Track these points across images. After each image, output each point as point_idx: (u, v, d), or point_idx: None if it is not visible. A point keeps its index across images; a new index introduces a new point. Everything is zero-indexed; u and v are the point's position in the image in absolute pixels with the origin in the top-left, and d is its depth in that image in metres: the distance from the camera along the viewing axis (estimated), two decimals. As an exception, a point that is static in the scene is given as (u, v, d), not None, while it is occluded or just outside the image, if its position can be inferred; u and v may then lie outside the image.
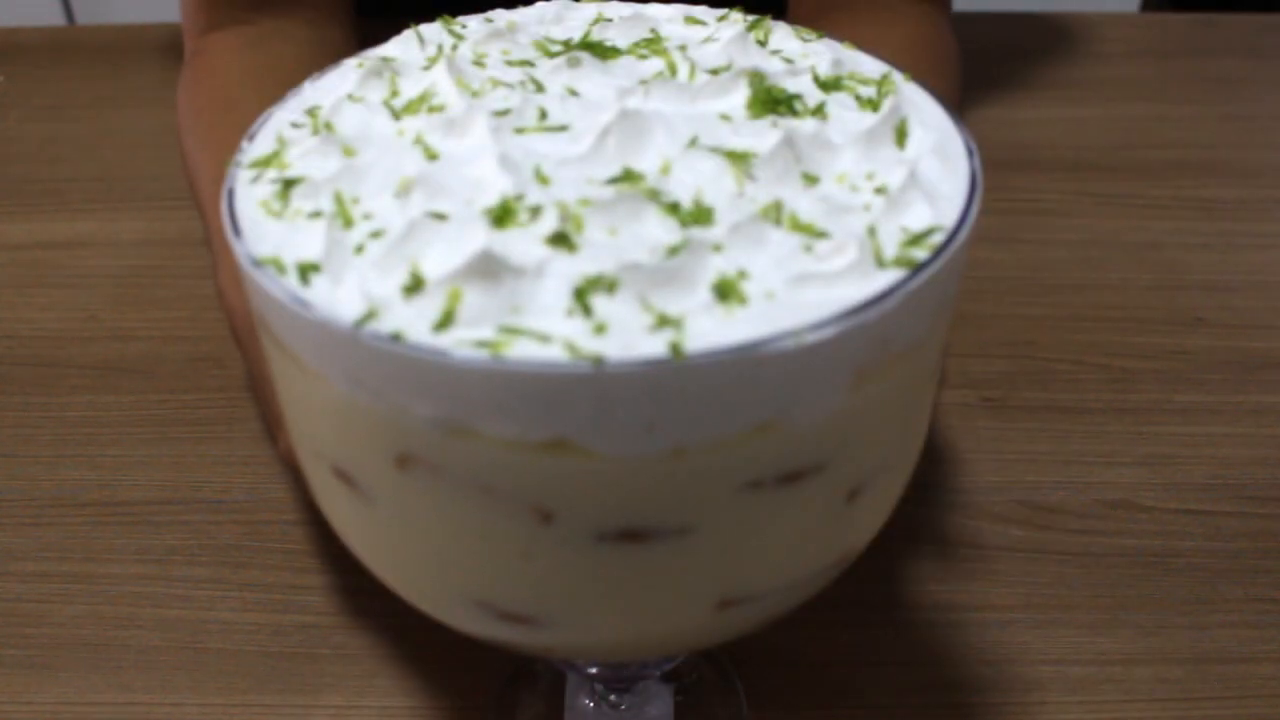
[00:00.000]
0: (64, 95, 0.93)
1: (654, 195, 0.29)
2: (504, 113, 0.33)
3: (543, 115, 0.33)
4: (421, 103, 0.34)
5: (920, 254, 0.28)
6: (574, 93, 0.34)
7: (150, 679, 0.52)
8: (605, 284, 0.26)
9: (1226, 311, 0.70)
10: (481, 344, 0.25)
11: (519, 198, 0.29)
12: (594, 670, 0.44)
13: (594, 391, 0.25)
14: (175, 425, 0.64)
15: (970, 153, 0.32)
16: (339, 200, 0.30)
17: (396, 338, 0.26)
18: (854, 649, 0.52)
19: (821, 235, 0.29)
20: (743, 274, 0.27)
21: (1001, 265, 0.74)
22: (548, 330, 0.26)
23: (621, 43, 0.38)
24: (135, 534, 0.58)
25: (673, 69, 0.36)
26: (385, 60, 0.36)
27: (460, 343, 0.26)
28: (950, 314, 0.32)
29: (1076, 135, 0.86)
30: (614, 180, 0.30)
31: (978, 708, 0.50)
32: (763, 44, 0.38)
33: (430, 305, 0.26)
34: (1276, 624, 0.53)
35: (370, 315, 0.26)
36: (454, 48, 0.37)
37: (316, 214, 0.30)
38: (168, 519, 0.59)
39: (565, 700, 0.49)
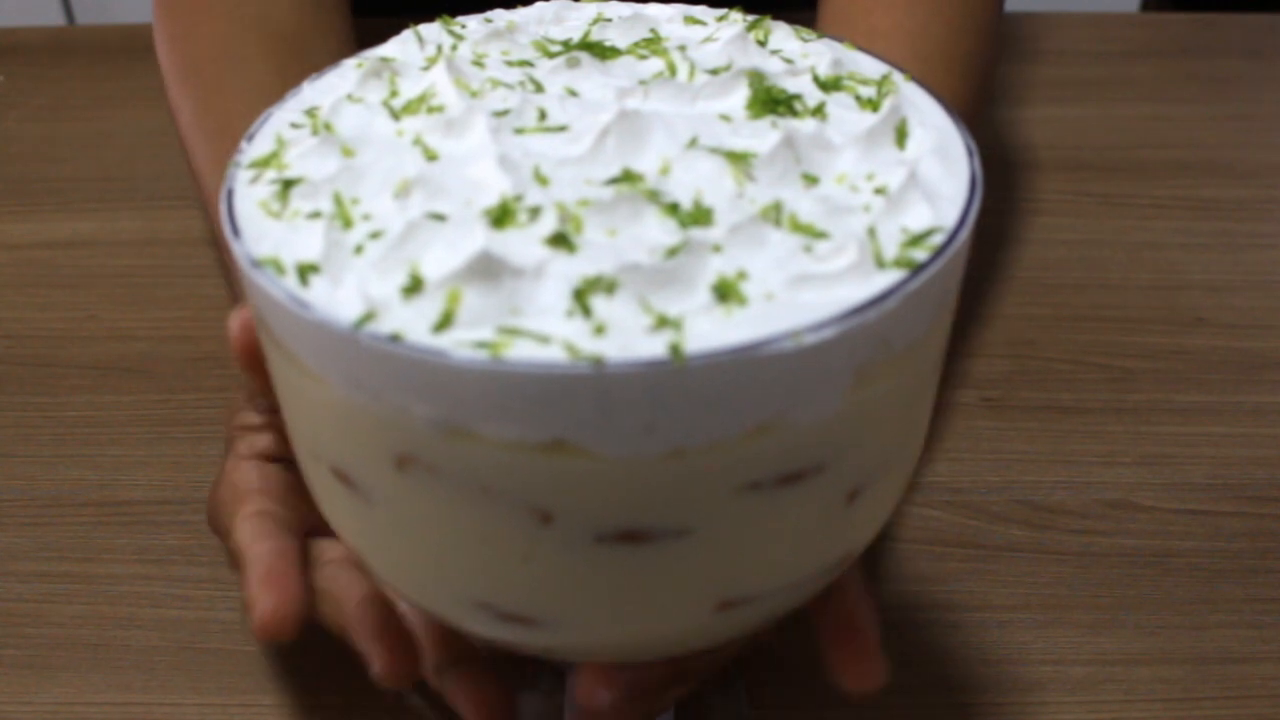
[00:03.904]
0: (64, 95, 0.93)
1: (653, 196, 0.29)
2: (503, 113, 0.33)
3: (542, 116, 0.33)
4: (421, 103, 0.34)
5: (920, 255, 0.28)
6: (573, 93, 0.34)
7: (150, 679, 0.52)
8: (605, 285, 0.26)
9: (1226, 311, 0.70)
10: (481, 345, 0.25)
11: (518, 198, 0.29)
12: None
13: (594, 392, 0.25)
14: (175, 425, 0.64)
15: (970, 153, 0.32)
16: (338, 201, 0.30)
17: (395, 338, 0.26)
18: (854, 649, 0.52)
19: (821, 236, 0.29)
20: (742, 275, 0.27)
21: (1001, 265, 0.74)
22: (547, 331, 0.26)
23: (621, 43, 0.37)
24: (135, 534, 0.58)
25: (672, 69, 0.36)
26: (384, 60, 0.36)
27: (459, 344, 0.26)
28: (950, 314, 0.32)
29: (1076, 135, 0.86)
30: (613, 181, 0.30)
31: (978, 708, 0.50)
32: (762, 44, 0.38)
33: (429, 306, 0.26)
34: (1276, 624, 0.53)
35: (369, 316, 0.26)
36: (453, 48, 0.37)
37: (315, 214, 0.30)
38: (168, 519, 0.59)
39: (565, 700, 0.49)
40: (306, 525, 0.46)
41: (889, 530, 0.57)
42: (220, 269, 0.55)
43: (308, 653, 0.52)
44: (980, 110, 0.67)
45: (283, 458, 0.47)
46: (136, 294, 0.73)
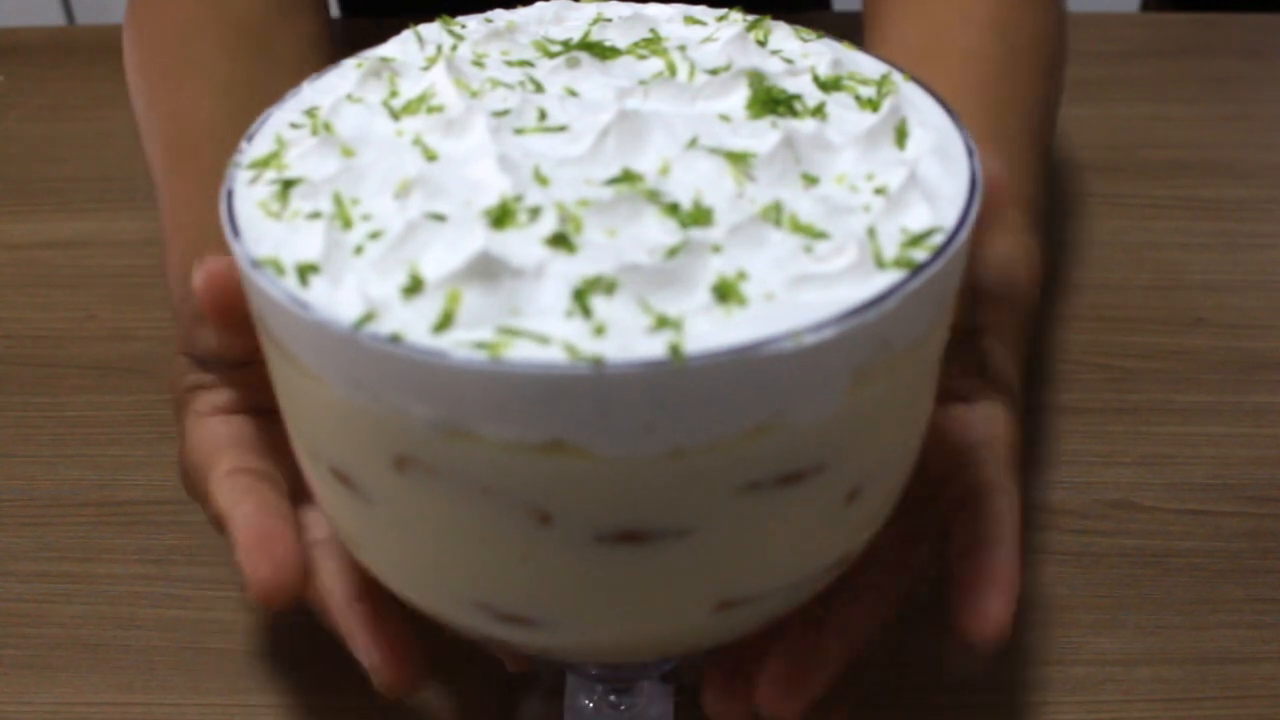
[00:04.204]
0: (64, 95, 0.93)
1: (653, 196, 0.29)
2: (503, 113, 0.33)
3: (542, 116, 0.33)
4: (421, 103, 0.34)
5: (920, 255, 0.28)
6: (573, 93, 0.34)
7: (150, 679, 0.52)
8: (604, 285, 0.26)
9: (1226, 311, 0.70)
10: (480, 345, 0.25)
11: (518, 198, 0.29)
12: (594, 670, 0.45)
13: (593, 393, 0.25)
14: (175, 425, 0.63)
15: (970, 153, 0.32)
16: (338, 201, 0.30)
17: (395, 339, 0.26)
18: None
19: (821, 236, 0.29)
20: (742, 275, 0.27)
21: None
22: (547, 332, 0.26)
23: (621, 43, 0.38)
24: (135, 534, 0.58)
25: (672, 69, 0.36)
26: (384, 60, 0.36)
27: (459, 344, 0.26)
28: (950, 315, 0.32)
29: (1077, 135, 0.86)
30: (613, 181, 0.30)
31: (977, 708, 0.50)
32: (762, 44, 0.38)
33: (429, 306, 0.26)
34: (1276, 624, 0.53)
35: (369, 317, 0.26)
36: (453, 48, 0.37)
37: (315, 215, 0.30)
38: (168, 519, 0.59)
39: (565, 700, 0.49)
40: (288, 483, 0.43)
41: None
42: (162, 269, 0.55)
43: (308, 652, 0.52)
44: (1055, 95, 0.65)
45: (246, 409, 0.44)
46: (136, 294, 0.73)
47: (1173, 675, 0.51)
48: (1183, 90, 0.93)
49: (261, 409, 0.44)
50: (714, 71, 0.35)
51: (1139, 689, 0.51)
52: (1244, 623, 0.53)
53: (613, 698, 0.47)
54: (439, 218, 0.28)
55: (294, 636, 0.53)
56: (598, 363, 0.25)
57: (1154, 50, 0.98)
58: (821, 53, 0.37)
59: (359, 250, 0.28)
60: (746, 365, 0.25)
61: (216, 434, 0.43)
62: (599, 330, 0.26)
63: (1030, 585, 0.55)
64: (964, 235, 0.29)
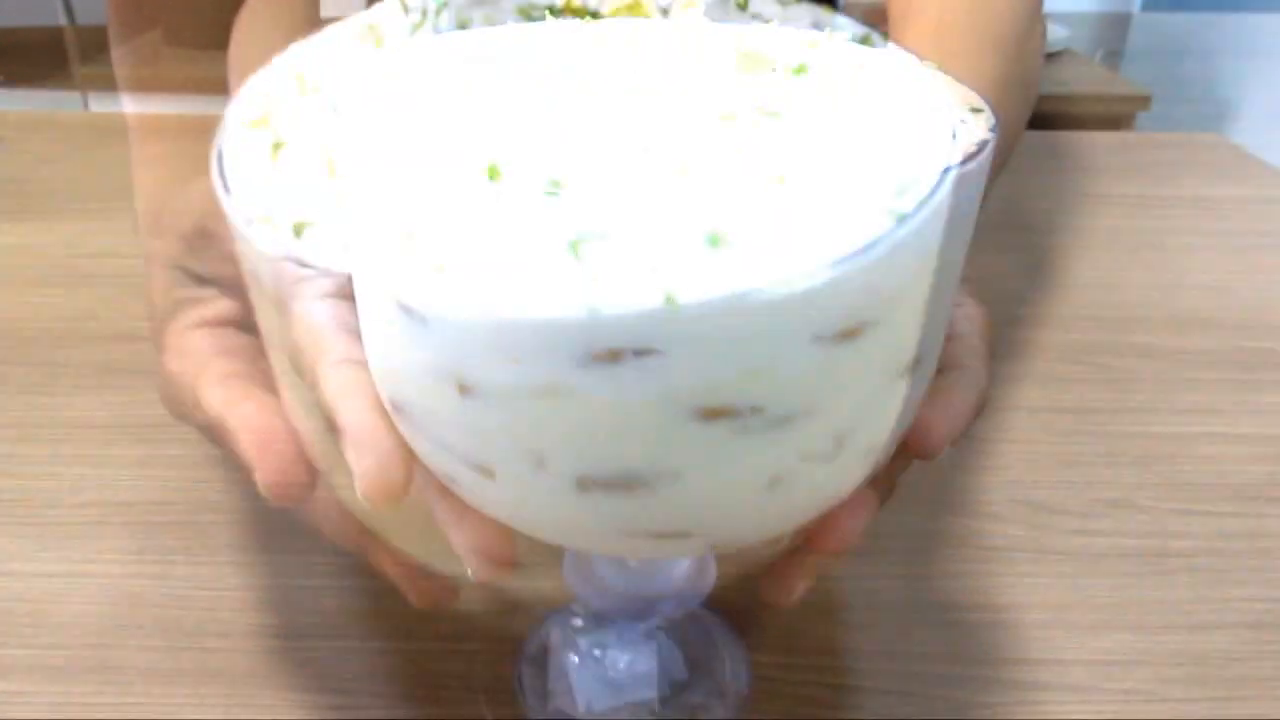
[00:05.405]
0: (63, 96, 0.94)
1: (645, 148, 0.29)
2: (489, 74, 0.33)
3: (528, 77, 0.33)
4: (409, 65, 0.34)
5: (906, 204, 0.28)
6: (558, 54, 0.35)
7: (150, 679, 0.52)
8: (598, 234, 0.27)
9: (1226, 311, 0.70)
10: (476, 293, 0.26)
11: (509, 153, 0.29)
12: (579, 622, 0.44)
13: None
14: (175, 425, 0.63)
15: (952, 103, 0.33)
16: (329, 159, 0.30)
17: (392, 290, 0.26)
18: (853, 649, 0.52)
19: (810, 185, 0.29)
20: (734, 222, 0.28)
21: (1002, 265, 0.74)
22: (543, 279, 0.26)
23: (604, 7, 0.38)
24: (135, 534, 0.58)
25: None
26: (371, 26, 0.36)
27: (457, 292, 0.26)
28: (934, 262, 0.32)
29: (1077, 135, 0.87)
30: (602, 135, 0.30)
31: (977, 708, 0.50)
32: (743, 7, 0.38)
33: (424, 256, 0.27)
34: (1276, 624, 0.53)
35: (364, 269, 0.26)
36: (438, 12, 0.37)
37: (306, 172, 0.30)
38: (168, 519, 0.59)
39: (550, 658, 0.49)
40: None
41: (889, 530, 0.57)
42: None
43: (309, 653, 0.52)
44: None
45: (233, 322, 0.42)
46: (136, 294, 0.72)
47: (1173, 675, 0.51)
48: (1184, 90, 0.93)
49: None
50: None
51: (1139, 689, 0.51)
52: (1244, 623, 0.53)
53: (597, 653, 0.47)
54: (435, 172, 0.29)
55: (294, 637, 0.53)
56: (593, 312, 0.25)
57: (1153, 50, 0.98)
58: (801, 16, 0.37)
59: (351, 205, 0.28)
60: (738, 311, 0.26)
61: (201, 345, 0.41)
62: (594, 278, 0.26)
63: (1030, 585, 0.55)
64: (947, 184, 0.29)
